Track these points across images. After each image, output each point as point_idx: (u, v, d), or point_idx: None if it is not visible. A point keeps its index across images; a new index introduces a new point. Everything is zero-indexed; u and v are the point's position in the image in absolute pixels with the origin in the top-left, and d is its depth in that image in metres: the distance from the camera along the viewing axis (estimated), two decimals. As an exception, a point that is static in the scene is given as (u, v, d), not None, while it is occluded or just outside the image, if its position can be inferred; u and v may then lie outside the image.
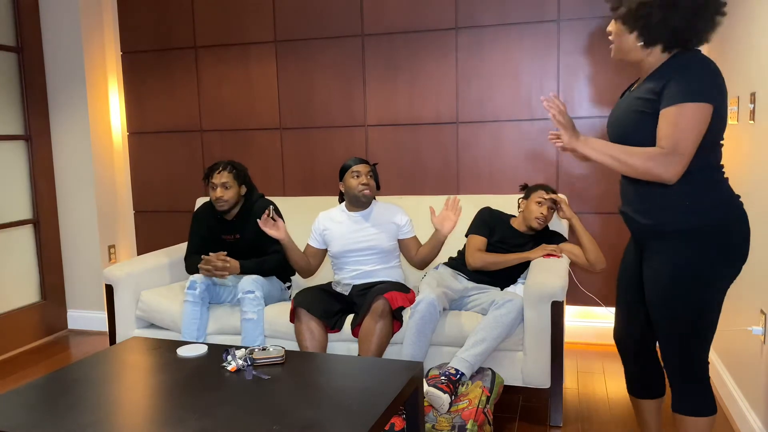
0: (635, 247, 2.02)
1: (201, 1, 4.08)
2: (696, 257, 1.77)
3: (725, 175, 1.82)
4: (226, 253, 3.09)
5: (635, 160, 1.71)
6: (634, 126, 1.81)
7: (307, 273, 3.06)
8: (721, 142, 1.80)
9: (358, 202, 3.01)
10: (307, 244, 3.10)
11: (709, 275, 1.77)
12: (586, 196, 3.59)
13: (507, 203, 3.32)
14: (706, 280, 1.77)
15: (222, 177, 3.16)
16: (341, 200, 3.15)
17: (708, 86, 1.69)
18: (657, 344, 2.00)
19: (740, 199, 1.82)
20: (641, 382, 2.12)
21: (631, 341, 2.08)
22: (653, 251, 1.85)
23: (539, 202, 3.00)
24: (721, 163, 1.81)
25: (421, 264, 3.00)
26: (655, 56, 1.81)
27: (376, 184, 3.06)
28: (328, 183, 3.99)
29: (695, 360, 1.85)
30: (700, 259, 1.76)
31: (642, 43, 1.79)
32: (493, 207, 3.22)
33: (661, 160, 1.68)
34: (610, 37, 1.89)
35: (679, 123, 1.67)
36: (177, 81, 4.20)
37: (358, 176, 2.98)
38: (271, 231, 2.84)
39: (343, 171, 3.03)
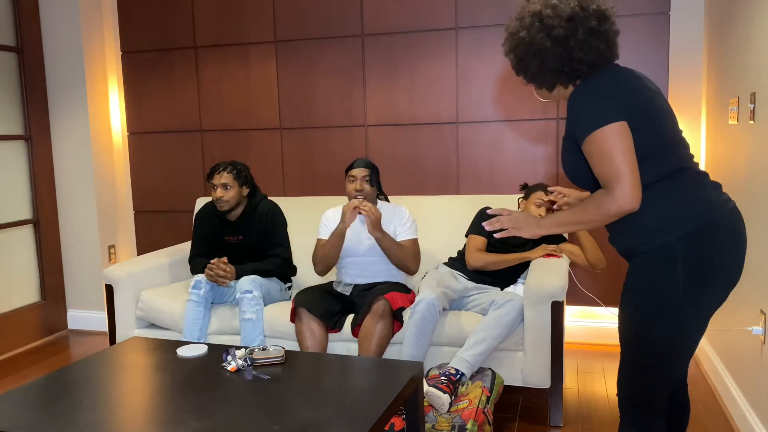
0: None
1: (201, 1, 4.08)
2: (659, 280, 1.60)
3: (692, 182, 1.62)
4: (226, 259, 3.08)
5: (589, 215, 1.61)
6: (566, 164, 1.76)
7: (330, 268, 3.04)
8: (678, 140, 1.64)
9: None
10: (318, 239, 3.07)
11: (673, 300, 1.58)
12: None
13: (507, 203, 3.32)
14: (669, 306, 1.59)
15: (222, 177, 3.16)
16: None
17: (604, 106, 1.57)
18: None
19: (726, 206, 1.62)
20: (670, 419, 1.89)
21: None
22: (627, 273, 1.72)
23: (537, 204, 3.01)
24: (688, 165, 1.64)
25: (397, 266, 2.99)
26: (566, 92, 1.75)
27: (379, 186, 3.04)
28: (328, 183, 3.99)
29: (637, 398, 1.68)
30: (664, 282, 1.59)
31: (545, 89, 1.76)
32: (493, 207, 3.22)
33: (607, 198, 1.56)
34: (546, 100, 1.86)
35: (597, 155, 1.58)
36: (177, 81, 4.20)
37: (353, 181, 2.96)
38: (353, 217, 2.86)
39: (346, 173, 3.03)
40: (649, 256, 1.61)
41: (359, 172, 2.97)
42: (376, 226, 2.83)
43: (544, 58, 1.66)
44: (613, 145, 1.56)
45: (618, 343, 3.64)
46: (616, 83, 1.62)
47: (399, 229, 3.00)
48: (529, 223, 1.75)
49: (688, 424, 1.89)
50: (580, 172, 1.70)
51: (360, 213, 2.87)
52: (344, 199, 3.39)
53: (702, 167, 3.46)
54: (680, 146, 1.65)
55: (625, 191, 1.54)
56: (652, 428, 1.69)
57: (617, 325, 1.75)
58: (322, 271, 3.01)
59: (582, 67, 1.66)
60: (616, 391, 1.78)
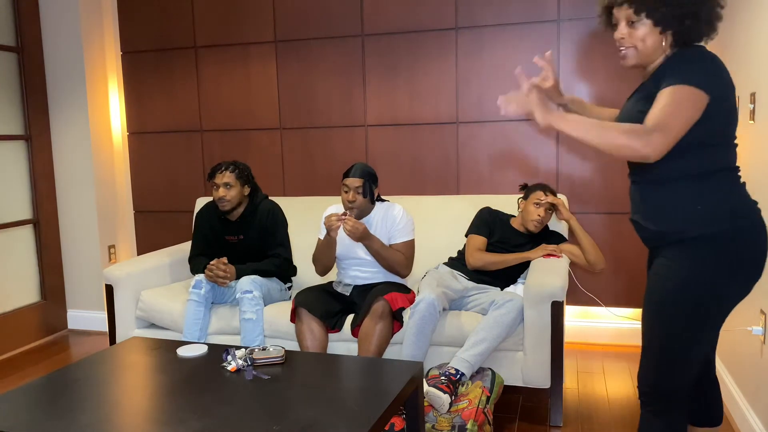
0: (649, 258, 1.91)
1: (201, 1, 4.08)
2: (701, 269, 1.63)
3: (742, 179, 1.70)
4: (226, 259, 3.08)
5: (611, 133, 1.58)
6: (634, 109, 1.74)
7: (328, 270, 3.03)
8: (735, 141, 1.69)
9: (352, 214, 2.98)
10: (319, 239, 3.06)
11: (712, 291, 1.63)
12: (586, 196, 3.59)
13: (507, 203, 3.32)
14: (708, 295, 1.63)
15: (224, 177, 3.16)
16: None
17: (706, 74, 1.60)
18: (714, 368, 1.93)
19: (758, 206, 1.69)
20: (699, 407, 1.95)
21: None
22: (660, 258, 1.73)
23: (537, 204, 3.01)
24: (737, 164, 1.70)
25: (388, 270, 2.97)
26: (662, 46, 1.74)
27: (371, 195, 2.93)
28: (328, 183, 3.99)
29: (664, 387, 1.69)
30: (705, 272, 1.63)
31: (672, 42, 1.71)
32: (493, 207, 3.22)
33: (640, 134, 1.56)
34: (623, 47, 1.76)
35: (668, 103, 1.58)
36: (177, 81, 4.20)
37: (347, 191, 2.92)
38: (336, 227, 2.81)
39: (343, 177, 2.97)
40: (696, 245, 1.63)
41: (353, 182, 2.89)
42: (359, 240, 2.80)
43: (703, 8, 1.65)
44: (686, 106, 1.57)
45: (618, 342, 3.65)
46: (724, 66, 1.64)
47: (392, 231, 2.98)
48: (547, 109, 1.71)
49: (721, 396, 1.96)
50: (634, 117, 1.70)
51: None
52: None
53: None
54: (735, 145, 1.71)
55: (657, 143, 1.55)
56: (675, 418, 1.70)
57: (642, 313, 1.75)
58: (321, 271, 3.01)
59: (696, 28, 1.66)
60: (636, 383, 1.83)
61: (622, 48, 1.77)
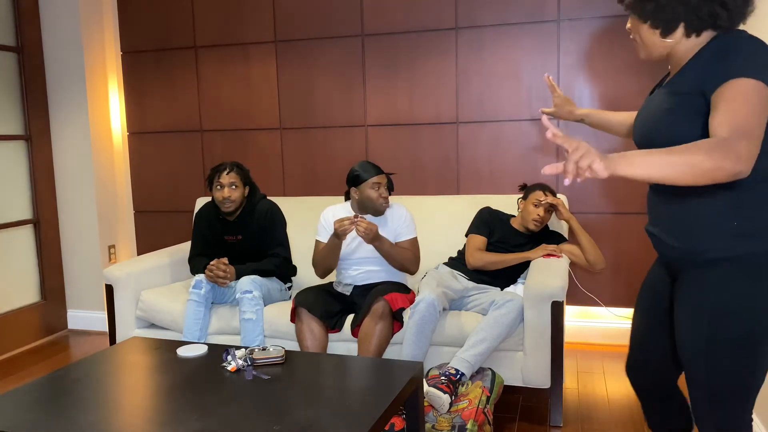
0: (666, 274, 1.65)
1: (201, 1, 4.08)
2: (746, 294, 1.38)
3: None
4: (226, 260, 3.08)
5: (692, 158, 1.24)
6: (666, 127, 1.46)
7: (329, 272, 3.03)
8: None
9: (374, 212, 2.98)
10: (317, 241, 3.06)
11: (763, 318, 1.38)
12: (586, 196, 3.59)
13: (507, 203, 3.32)
14: (759, 324, 1.38)
15: (230, 177, 3.16)
16: (347, 198, 3.13)
17: (763, 63, 1.33)
18: (681, 375, 1.72)
19: None
20: (662, 417, 1.79)
21: (650, 374, 1.74)
22: (690, 284, 1.47)
23: (536, 204, 3.01)
24: None
25: (397, 269, 2.99)
26: (686, 44, 1.48)
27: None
28: (328, 183, 3.99)
29: (734, 425, 1.47)
30: (752, 297, 1.38)
31: (659, 31, 1.48)
32: (493, 207, 3.22)
33: (725, 150, 1.24)
34: (631, 36, 1.59)
35: (737, 100, 1.30)
36: (177, 81, 4.20)
37: (378, 188, 2.94)
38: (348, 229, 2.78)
39: (358, 179, 2.95)
40: (736, 265, 1.39)
41: (383, 179, 2.96)
42: (372, 240, 2.81)
43: None
44: (759, 102, 1.31)
45: (618, 342, 3.64)
46: None
47: (399, 230, 3.00)
48: (601, 155, 1.27)
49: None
50: (676, 131, 1.42)
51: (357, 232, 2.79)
52: (340, 199, 3.39)
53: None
54: None
55: (751, 152, 1.26)
56: None
57: (681, 346, 1.50)
58: (322, 274, 3.01)
59: (723, 14, 1.42)
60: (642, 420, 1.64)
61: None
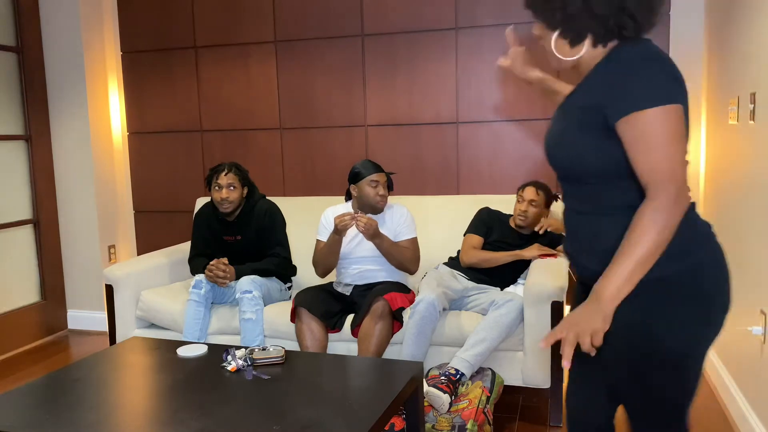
0: (579, 293, 1.58)
1: (201, 1, 4.08)
2: (670, 316, 1.32)
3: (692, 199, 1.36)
4: (226, 260, 3.08)
5: (651, 235, 1.24)
6: (569, 144, 1.38)
7: (330, 271, 3.04)
8: (687, 157, 1.32)
9: (372, 210, 2.99)
10: (318, 240, 3.07)
11: (686, 339, 1.33)
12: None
13: (507, 203, 3.32)
14: (683, 346, 1.33)
15: (229, 178, 3.16)
16: (348, 199, 3.14)
17: (670, 81, 1.28)
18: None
19: (713, 229, 1.41)
20: None
21: (587, 413, 1.62)
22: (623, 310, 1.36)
23: (519, 200, 3.03)
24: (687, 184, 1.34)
25: (397, 268, 2.99)
26: (591, 54, 1.41)
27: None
28: (328, 183, 3.99)
29: None
30: (676, 319, 1.32)
31: (568, 41, 1.40)
32: (493, 207, 3.22)
33: (663, 204, 1.24)
34: (540, 43, 1.47)
35: (650, 139, 1.25)
36: (177, 81, 4.20)
37: (376, 186, 2.95)
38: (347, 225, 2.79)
39: (358, 176, 2.97)
40: (657, 286, 1.32)
41: (382, 177, 2.96)
42: (372, 236, 2.82)
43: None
44: (675, 126, 1.25)
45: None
46: (675, 65, 1.31)
47: (399, 229, 3.00)
48: (589, 317, 1.30)
49: None
50: (599, 159, 1.35)
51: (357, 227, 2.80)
52: (340, 199, 3.39)
53: (702, 167, 3.46)
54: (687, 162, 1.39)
55: (680, 185, 1.24)
56: None
57: (611, 372, 1.43)
58: (322, 273, 3.01)
59: (630, 25, 1.34)
60: None
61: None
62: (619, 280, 1.26)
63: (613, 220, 1.36)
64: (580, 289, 1.59)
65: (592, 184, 1.38)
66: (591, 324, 1.29)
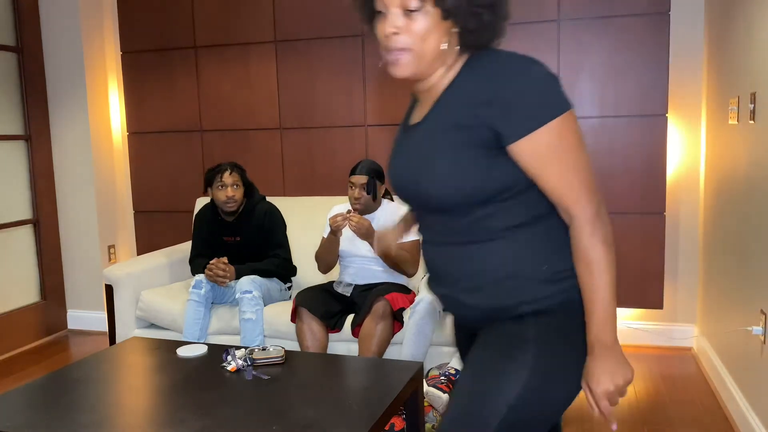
0: (467, 340, 1.42)
1: (201, 1, 4.08)
2: (561, 350, 1.21)
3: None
4: (226, 259, 3.08)
5: (603, 268, 1.16)
6: (465, 172, 1.19)
7: (331, 268, 3.04)
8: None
9: (363, 211, 2.99)
10: (323, 237, 3.07)
11: (573, 372, 1.22)
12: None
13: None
14: (569, 380, 1.22)
15: (233, 176, 3.17)
16: None
17: (558, 86, 1.17)
18: None
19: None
20: None
21: None
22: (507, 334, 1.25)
23: (351, 186, 3.02)
24: None
25: (394, 270, 2.97)
26: (443, 60, 1.24)
27: (374, 193, 2.95)
28: (328, 183, 3.99)
29: None
30: (567, 352, 1.22)
31: (457, 46, 1.22)
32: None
33: (595, 224, 1.16)
34: (396, 48, 1.20)
35: (554, 159, 1.15)
36: (177, 81, 4.20)
37: (352, 188, 2.95)
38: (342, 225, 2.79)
39: (350, 173, 2.99)
40: (549, 317, 1.21)
41: (358, 179, 2.93)
42: (365, 237, 2.81)
43: (498, 11, 1.22)
44: (573, 135, 1.16)
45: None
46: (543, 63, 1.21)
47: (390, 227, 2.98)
48: (618, 369, 1.18)
49: None
50: (485, 182, 1.19)
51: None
52: (344, 199, 3.39)
53: (702, 167, 3.46)
54: None
55: (592, 195, 1.17)
56: None
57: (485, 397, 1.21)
58: (324, 269, 3.04)
59: (492, 25, 1.22)
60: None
61: (393, 50, 1.21)
62: (610, 318, 1.17)
63: (503, 244, 1.22)
64: (460, 337, 1.46)
65: (473, 211, 1.21)
66: (625, 375, 1.18)
